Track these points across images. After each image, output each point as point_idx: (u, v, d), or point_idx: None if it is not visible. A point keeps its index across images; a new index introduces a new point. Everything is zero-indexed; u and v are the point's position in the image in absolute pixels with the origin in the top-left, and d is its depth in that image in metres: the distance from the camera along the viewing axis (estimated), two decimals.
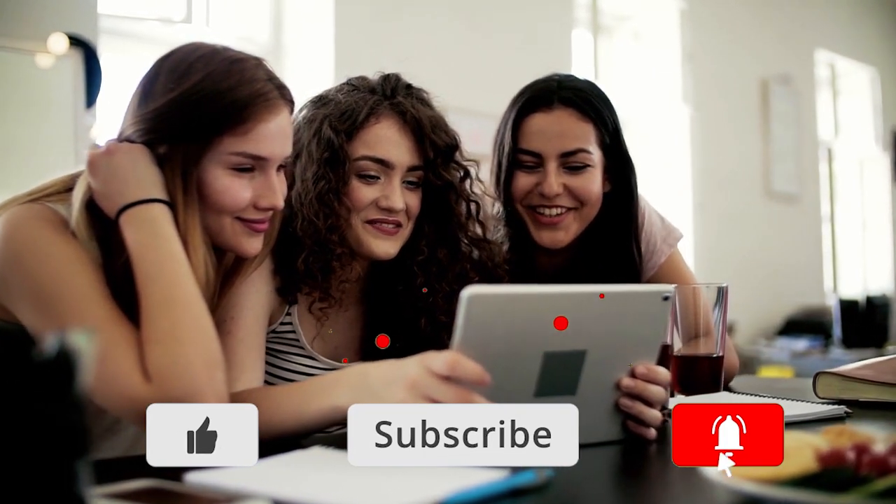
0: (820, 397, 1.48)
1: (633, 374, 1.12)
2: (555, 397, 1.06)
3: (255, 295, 1.38)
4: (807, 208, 6.49)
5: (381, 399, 1.01)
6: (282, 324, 1.47)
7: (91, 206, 1.20)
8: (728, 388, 1.70)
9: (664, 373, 1.13)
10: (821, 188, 6.71)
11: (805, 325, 5.80)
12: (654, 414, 1.13)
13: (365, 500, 0.84)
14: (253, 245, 1.29)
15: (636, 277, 1.73)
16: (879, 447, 0.78)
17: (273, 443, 1.05)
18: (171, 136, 1.21)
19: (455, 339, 0.98)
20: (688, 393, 1.51)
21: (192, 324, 1.11)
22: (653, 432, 1.14)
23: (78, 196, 1.20)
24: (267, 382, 1.43)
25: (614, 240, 1.73)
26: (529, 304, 1.01)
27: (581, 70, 5.11)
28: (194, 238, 1.20)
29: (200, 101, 1.20)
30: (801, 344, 5.58)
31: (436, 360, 0.98)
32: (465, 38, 4.57)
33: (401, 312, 1.50)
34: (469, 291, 0.96)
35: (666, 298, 1.10)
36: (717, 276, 5.69)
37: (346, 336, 1.53)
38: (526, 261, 1.73)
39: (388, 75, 1.51)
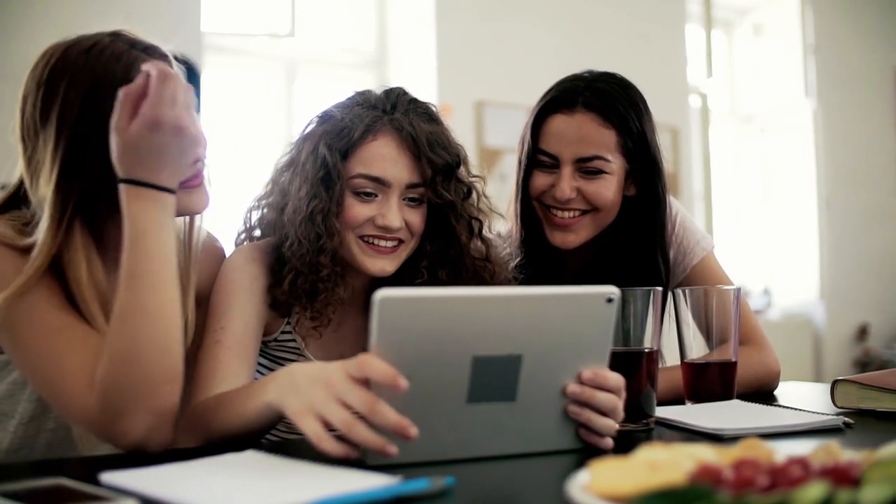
0: (838, 406, 1.38)
1: (580, 380, 1.07)
2: (491, 403, 1.04)
3: (248, 306, 1.40)
4: None
5: (302, 396, 1.01)
6: (283, 333, 1.49)
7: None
8: (770, 396, 1.62)
9: (615, 378, 1.08)
10: None
11: None
12: (605, 422, 1.08)
13: (237, 500, 0.85)
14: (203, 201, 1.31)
15: (660, 283, 1.66)
16: (764, 465, 0.73)
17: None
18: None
19: (370, 343, 0.97)
20: (698, 401, 1.44)
21: (154, 338, 1.11)
22: (608, 442, 1.09)
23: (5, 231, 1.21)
24: None
25: (638, 244, 1.67)
26: (450, 307, 0.99)
27: (696, 66, 4.94)
28: None
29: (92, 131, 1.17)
30: None
31: (351, 362, 0.98)
32: (571, 38, 4.50)
33: None
34: (380, 294, 0.95)
35: (610, 300, 1.05)
36: (846, 276, 5.41)
37: (352, 345, 1.53)
38: (545, 261, 1.69)
39: (392, 89, 1.49)
